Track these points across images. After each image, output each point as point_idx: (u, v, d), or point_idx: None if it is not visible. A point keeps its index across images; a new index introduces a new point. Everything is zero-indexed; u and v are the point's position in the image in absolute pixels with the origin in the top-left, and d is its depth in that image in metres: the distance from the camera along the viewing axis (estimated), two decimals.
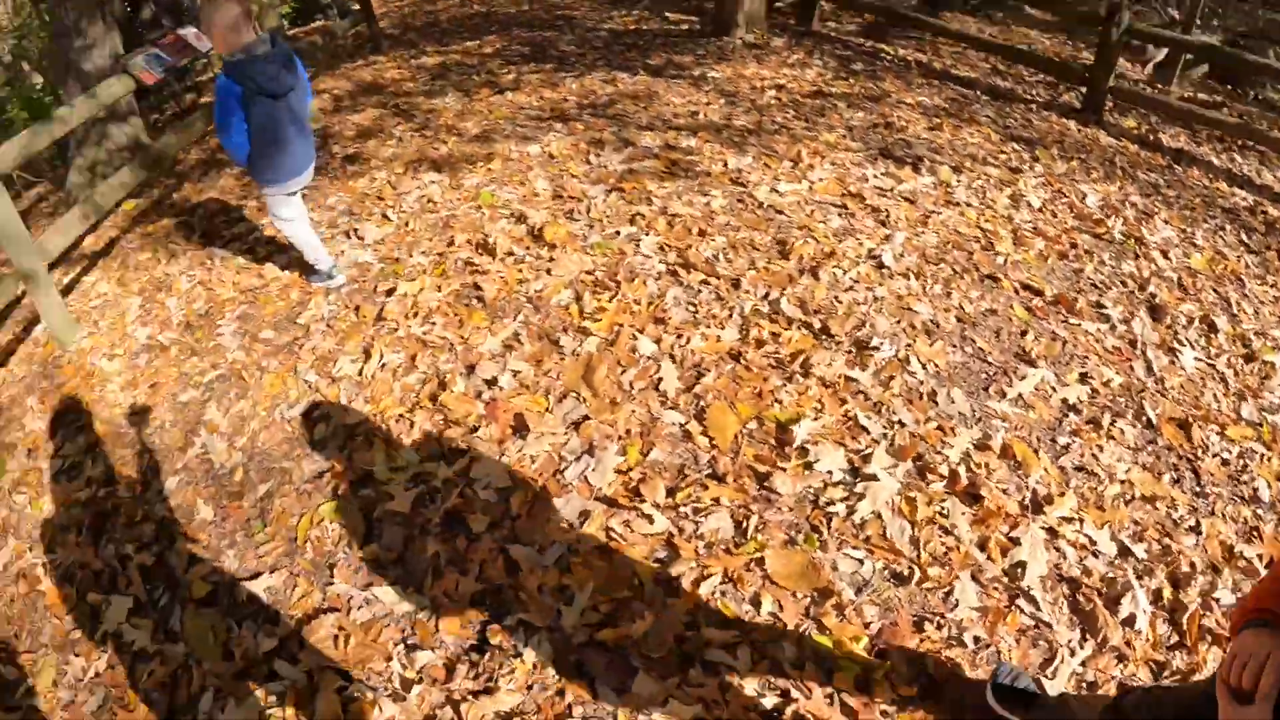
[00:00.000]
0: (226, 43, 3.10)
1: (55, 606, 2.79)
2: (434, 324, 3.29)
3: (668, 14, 9.10)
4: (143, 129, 7.07)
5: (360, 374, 3.17)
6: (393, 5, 14.51)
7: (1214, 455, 2.76)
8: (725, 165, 4.38)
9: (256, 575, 2.57)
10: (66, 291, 4.53)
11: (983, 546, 2.30)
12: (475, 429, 2.78)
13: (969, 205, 4.18)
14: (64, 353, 3.99)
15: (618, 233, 3.59)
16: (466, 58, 7.73)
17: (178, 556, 2.73)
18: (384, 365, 3.18)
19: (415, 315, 3.37)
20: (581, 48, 7.51)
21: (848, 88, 6.12)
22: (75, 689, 2.50)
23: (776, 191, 4.07)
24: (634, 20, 8.86)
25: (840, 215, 3.92)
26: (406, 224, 4.14)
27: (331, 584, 2.45)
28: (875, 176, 4.40)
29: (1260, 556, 2.37)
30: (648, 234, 3.55)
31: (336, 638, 2.29)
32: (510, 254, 3.55)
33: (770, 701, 1.97)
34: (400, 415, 2.92)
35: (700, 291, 3.16)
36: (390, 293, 3.55)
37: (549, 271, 3.37)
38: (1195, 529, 2.46)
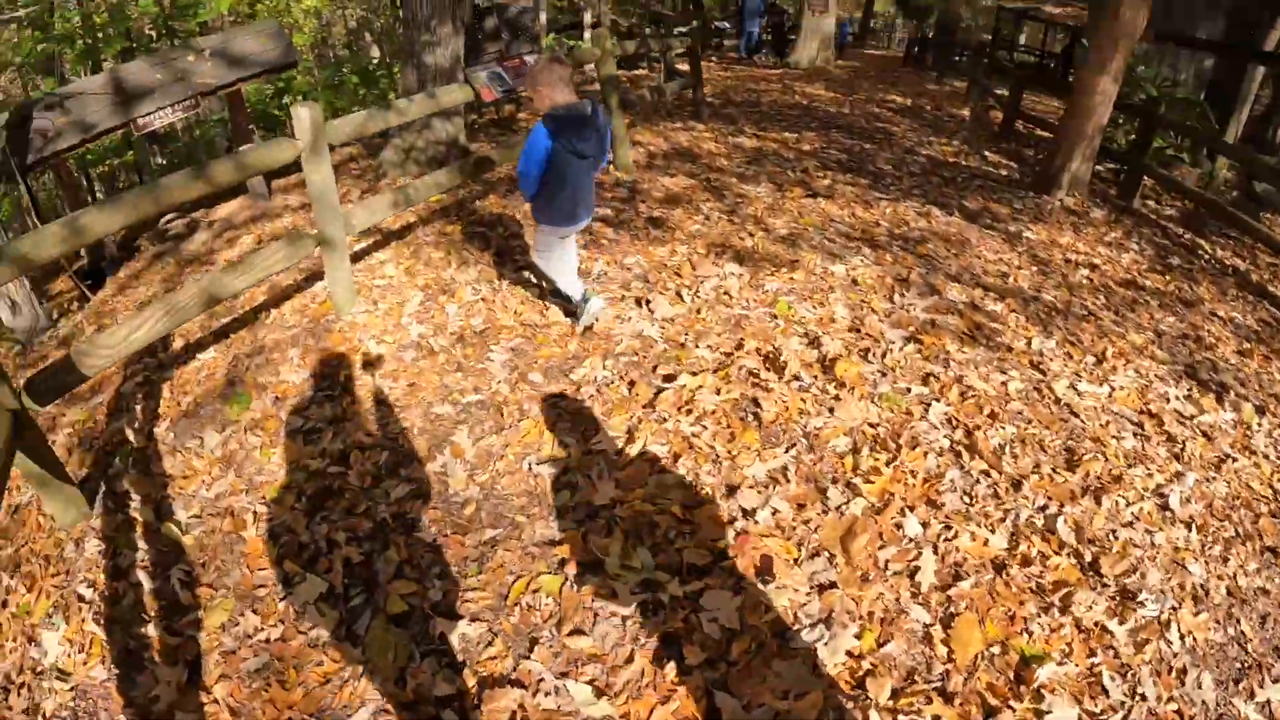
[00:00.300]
0: (549, 100, 3.50)
1: (251, 557, 2.96)
2: (705, 428, 3.36)
3: (986, 152, 8.98)
4: (463, 129, 7.77)
5: (619, 453, 3.26)
6: (717, 75, 15.23)
7: None
8: (1028, 344, 4.25)
9: (456, 617, 2.62)
10: (355, 259, 4.96)
11: None
12: (720, 556, 2.76)
13: (1265, 457, 3.81)
14: (337, 320, 4.36)
15: (909, 389, 3.57)
16: (783, 149, 7.98)
17: (385, 563, 2.83)
18: (644, 454, 3.23)
19: (688, 412, 3.46)
20: (899, 170, 7.56)
21: (1162, 284, 5.77)
22: (241, 642, 2.62)
23: (1075, 390, 3.90)
24: (953, 151, 8.81)
25: (1135, 435, 3.70)
26: (699, 310, 4.32)
27: (527, 659, 2.45)
28: (1177, 399, 4.11)
29: None
30: (938, 400, 3.52)
31: (514, 715, 2.29)
32: (796, 378, 3.63)
33: None
34: (648, 512, 2.94)
35: (979, 482, 3.09)
36: (670, 379, 3.68)
37: (832, 411, 3.41)
38: None
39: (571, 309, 4.18)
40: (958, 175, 7.59)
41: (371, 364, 4.01)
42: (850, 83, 14.30)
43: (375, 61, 14.91)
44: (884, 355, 3.83)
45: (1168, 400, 4.09)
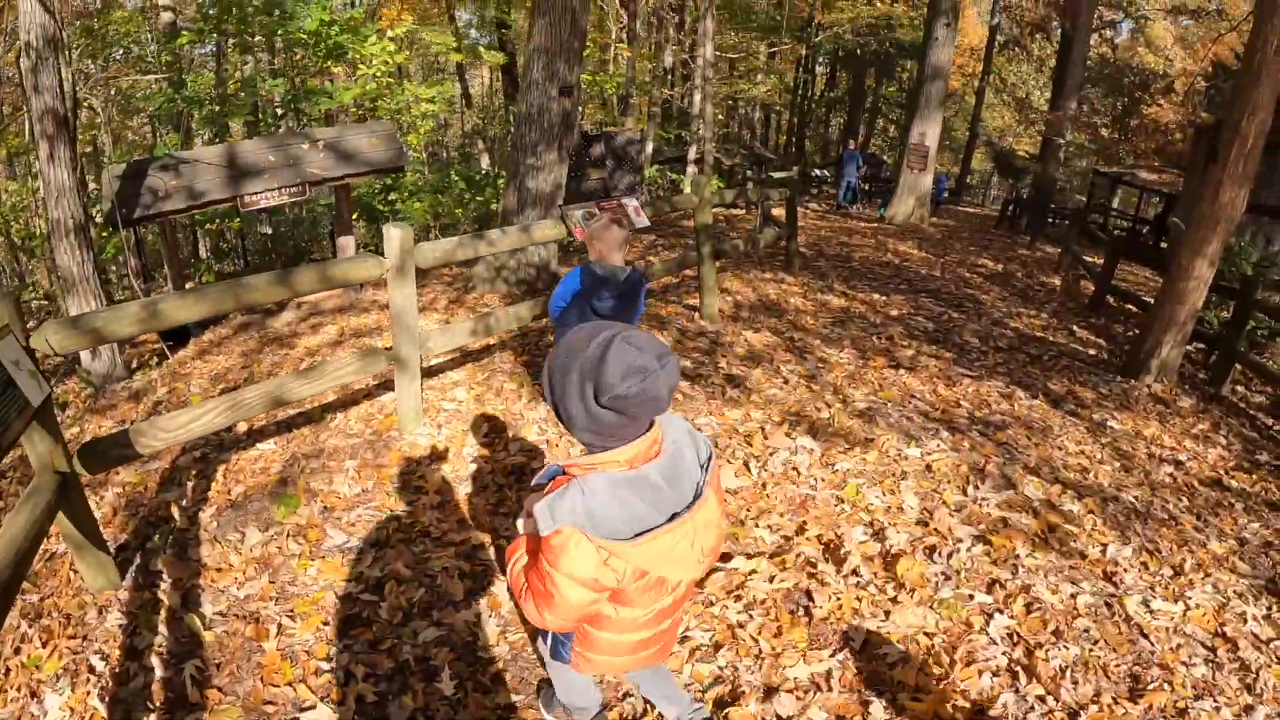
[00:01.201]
0: (598, 254, 3.90)
1: (267, 669, 2.97)
2: (752, 617, 3.37)
3: (1075, 327, 8.95)
4: (555, 255, 8.17)
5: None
6: (811, 223, 15.66)
7: None
8: (1103, 551, 4.19)
9: None
10: (429, 374, 5.07)
11: None
12: None
13: None
14: (399, 437, 4.49)
15: (971, 596, 3.57)
16: (870, 311, 8.15)
17: (399, 708, 2.80)
18: (685, 638, 3.22)
19: (738, 599, 3.47)
20: (985, 343, 7.62)
21: (1249, 483, 5.58)
22: None
23: (1148, 606, 3.81)
24: (1041, 325, 8.83)
25: (1206, 662, 3.57)
26: (764, 485, 4.41)
27: None
28: (1255, 619, 3.95)
29: None
30: (1001, 612, 3.50)
31: None
32: (855, 573, 3.66)
33: None
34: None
35: (1034, 709, 3.05)
36: (725, 559, 3.72)
37: (888, 614, 3.41)
38: None
39: None
40: (1045, 353, 7.59)
41: (424, 490, 4.10)
42: (943, 242, 14.54)
43: (484, 171, 15.80)
44: (950, 555, 3.84)
45: (1244, 620, 3.94)
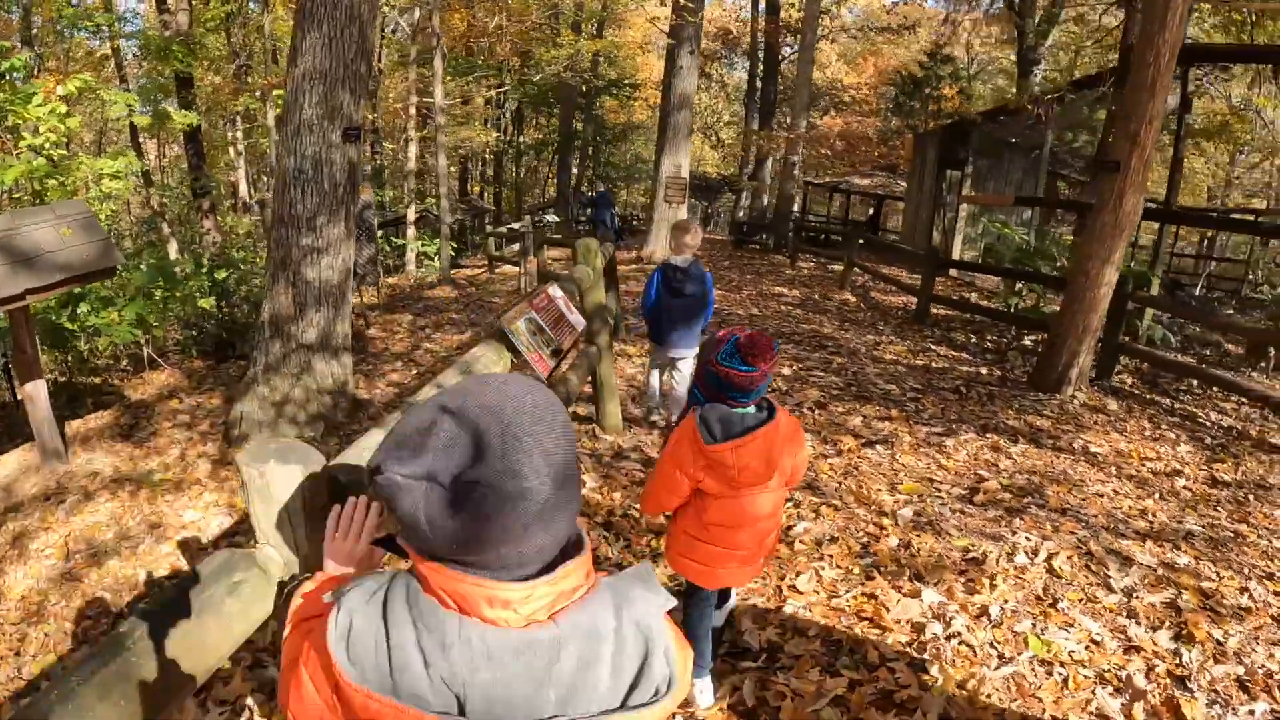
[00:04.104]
0: (675, 249, 5.20)
1: None
2: None
3: (931, 345, 8.95)
4: (351, 371, 6.27)
5: None
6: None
7: None
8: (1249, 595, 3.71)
9: None
10: None
11: None
12: None
13: None
14: None
15: None
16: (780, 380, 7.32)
17: None
18: None
19: None
20: (900, 387, 7.16)
21: (1231, 470, 5.60)
22: None
23: None
24: (908, 351, 8.66)
25: None
26: None
27: None
28: None
29: None
30: None
31: None
32: None
33: None
34: None
35: None
36: None
37: None
38: None
39: None
40: (955, 384, 7.30)
41: None
42: (722, 275, 14.29)
43: (190, 259, 11.36)
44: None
45: None
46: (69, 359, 7.95)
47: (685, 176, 16.16)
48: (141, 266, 9.22)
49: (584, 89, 24.43)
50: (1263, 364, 8.24)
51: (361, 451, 1.89)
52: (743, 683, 3.07)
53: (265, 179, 23.37)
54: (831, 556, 4.02)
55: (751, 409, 2.53)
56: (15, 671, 3.79)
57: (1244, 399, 7.11)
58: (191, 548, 4.75)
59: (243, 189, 21.20)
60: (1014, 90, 17.94)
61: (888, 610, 3.54)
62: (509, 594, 0.98)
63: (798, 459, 2.65)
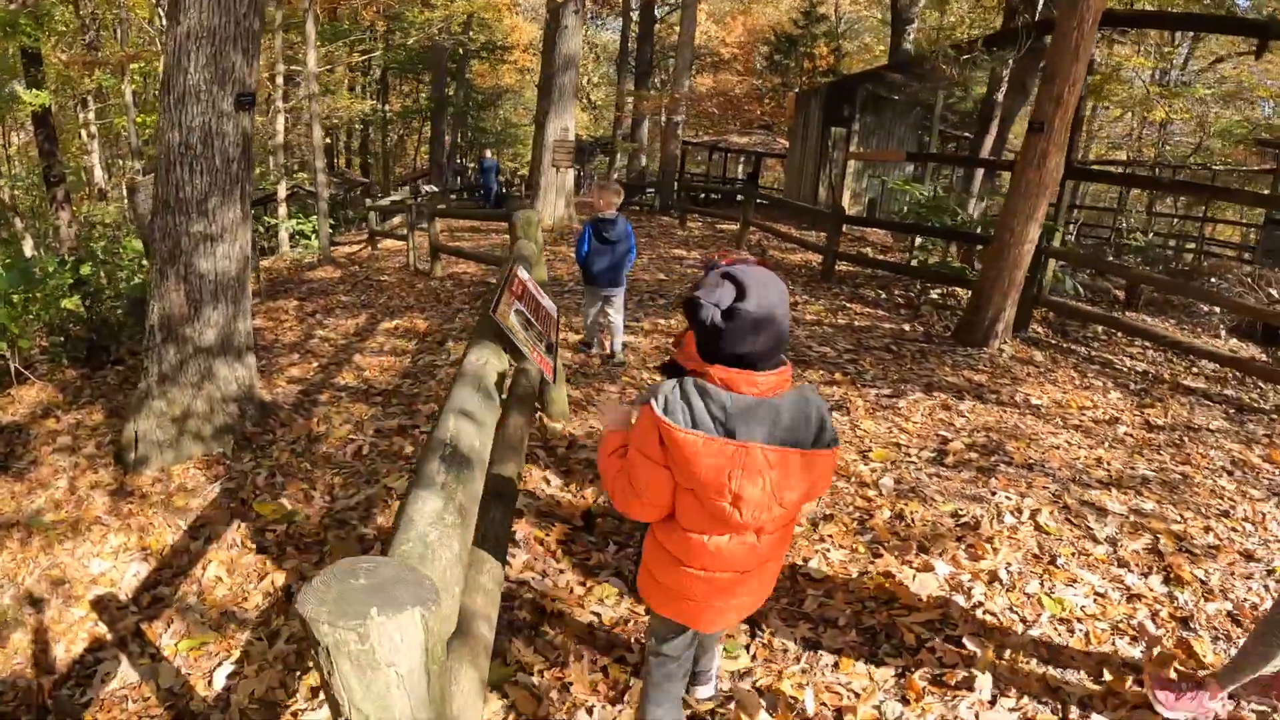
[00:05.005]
0: (599, 208, 6.09)
1: None
2: None
3: (846, 304, 8.97)
4: (255, 372, 5.69)
5: None
6: (472, 244, 14.22)
7: None
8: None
9: None
10: None
11: None
12: None
13: None
14: None
15: None
16: None
17: None
18: None
19: None
20: (831, 346, 7.17)
21: (1162, 414, 5.86)
22: None
23: None
24: (826, 310, 8.68)
25: None
26: None
27: None
28: None
29: None
30: None
31: None
32: None
33: None
34: None
35: None
36: None
37: None
38: None
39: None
40: (885, 343, 7.36)
41: None
42: None
43: (46, 257, 10.24)
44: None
45: None
46: None
47: (572, 139, 15.67)
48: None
49: (458, 52, 23.45)
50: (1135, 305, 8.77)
51: None
52: (803, 693, 2.89)
53: (121, 162, 21.48)
54: (832, 536, 3.91)
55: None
56: None
57: (1149, 343, 7.47)
58: (110, 608, 4.00)
59: (98, 175, 19.41)
60: (884, 49, 18.25)
61: (908, 587, 3.46)
62: (754, 377, 1.82)
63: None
